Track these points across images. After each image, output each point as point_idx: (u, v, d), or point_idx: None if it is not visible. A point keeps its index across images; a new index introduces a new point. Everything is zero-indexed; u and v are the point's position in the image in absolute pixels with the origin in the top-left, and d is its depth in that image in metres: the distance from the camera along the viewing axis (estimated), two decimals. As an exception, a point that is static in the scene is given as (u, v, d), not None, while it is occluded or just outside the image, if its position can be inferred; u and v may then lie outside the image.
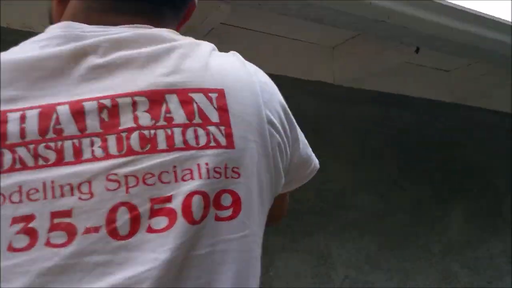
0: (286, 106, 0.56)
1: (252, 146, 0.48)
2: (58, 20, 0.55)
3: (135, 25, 0.52)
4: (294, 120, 0.57)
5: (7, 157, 0.42)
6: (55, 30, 0.50)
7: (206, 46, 0.54)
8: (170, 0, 0.59)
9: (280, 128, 0.52)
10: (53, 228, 0.41)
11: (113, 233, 0.42)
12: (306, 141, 0.61)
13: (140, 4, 0.55)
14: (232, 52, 0.58)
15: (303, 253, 1.56)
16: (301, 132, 0.59)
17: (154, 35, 0.51)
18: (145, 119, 0.45)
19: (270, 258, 1.46)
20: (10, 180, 0.42)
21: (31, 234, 0.41)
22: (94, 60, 0.47)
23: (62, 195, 0.42)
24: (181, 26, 0.64)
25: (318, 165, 0.65)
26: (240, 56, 0.57)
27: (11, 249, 0.40)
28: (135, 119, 0.45)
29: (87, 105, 0.45)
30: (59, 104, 0.45)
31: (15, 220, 0.41)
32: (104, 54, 0.48)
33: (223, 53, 0.56)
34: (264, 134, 0.50)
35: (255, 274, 0.49)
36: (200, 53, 0.51)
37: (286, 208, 0.72)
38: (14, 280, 0.39)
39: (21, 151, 0.43)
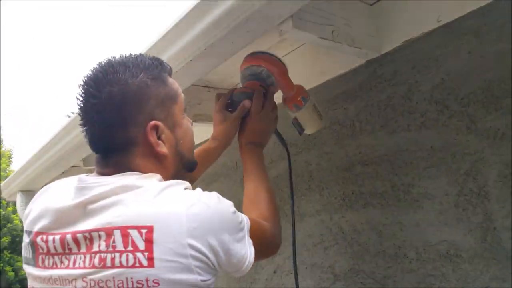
0: (222, 232, 0.76)
1: (171, 264, 0.69)
2: None
3: (114, 176, 0.79)
4: (228, 245, 0.76)
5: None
6: (76, 180, 0.81)
7: (154, 190, 0.75)
8: (105, 150, 0.84)
9: (204, 250, 0.72)
10: None
11: None
12: (242, 253, 0.80)
13: (102, 159, 0.84)
14: (183, 187, 0.78)
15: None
16: (239, 248, 0.79)
17: (121, 186, 0.76)
18: (103, 246, 0.71)
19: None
20: (45, 273, 0.77)
21: None
22: (88, 207, 0.76)
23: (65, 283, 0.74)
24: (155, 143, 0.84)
25: (251, 263, 0.82)
26: (187, 191, 0.77)
27: None
28: (99, 246, 0.71)
29: (79, 235, 0.74)
30: (67, 233, 0.75)
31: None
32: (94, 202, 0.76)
33: (172, 192, 0.76)
34: (185, 254, 0.70)
35: None
36: (145, 197, 0.74)
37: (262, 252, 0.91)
38: None
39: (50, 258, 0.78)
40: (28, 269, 0.82)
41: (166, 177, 0.82)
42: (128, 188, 0.75)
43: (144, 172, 0.80)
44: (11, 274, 14.24)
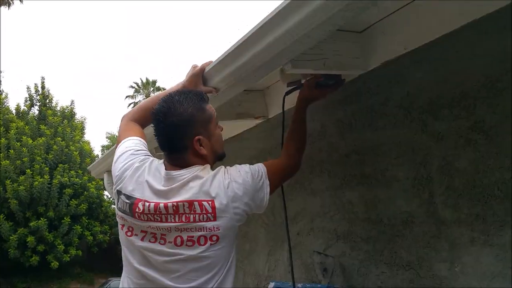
0: (247, 183, 1.40)
1: (224, 218, 1.31)
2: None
3: (184, 169, 1.38)
4: (254, 197, 1.41)
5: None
6: (164, 170, 1.40)
7: (210, 178, 1.36)
8: (170, 151, 1.43)
9: (242, 207, 1.37)
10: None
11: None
12: (261, 197, 1.43)
13: (169, 156, 1.44)
14: (222, 172, 1.40)
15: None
16: (261, 195, 1.44)
17: (193, 177, 1.37)
18: (187, 210, 1.30)
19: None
20: (144, 224, 1.35)
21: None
22: (175, 190, 1.35)
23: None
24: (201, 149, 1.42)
25: (268, 200, 1.46)
26: (225, 174, 1.40)
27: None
28: (184, 210, 1.31)
29: (169, 204, 1.31)
30: (160, 203, 1.33)
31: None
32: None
33: (218, 177, 1.37)
34: (231, 212, 1.33)
35: None
36: (206, 183, 1.34)
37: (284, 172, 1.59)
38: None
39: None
40: (124, 215, 1.37)
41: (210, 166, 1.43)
42: (197, 177, 1.36)
43: (195, 164, 1.39)
44: (90, 238, 15.66)
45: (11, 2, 20.83)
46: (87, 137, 19.35)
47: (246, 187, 1.38)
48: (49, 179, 14.54)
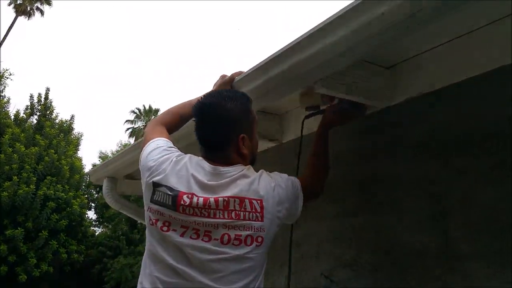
0: (287, 188, 1.43)
1: (270, 220, 1.31)
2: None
3: (230, 166, 1.38)
4: (292, 206, 1.44)
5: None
6: (208, 166, 1.39)
7: (256, 178, 1.37)
8: (215, 147, 1.42)
9: (283, 212, 1.39)
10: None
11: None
12: (297, 207, 1.48)
13: (210, 152, 1.43)
14: (266, 174, 1.41)
15: None
16: (298, 205, 1.48)
17: (240, 175, 1.36)
18: (237, 207, 1.28)
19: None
20: (188, 218, 1.29)
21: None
22: (224, 185, 1.34)
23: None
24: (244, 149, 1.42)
25: (300, 213, 1.51)
26: (266, 172, 1.43)
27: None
28: (234, 207, 1.28)
29: (220, 199, 1.29)
30: (210, 197, 1.30)
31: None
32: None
33: (262, 174, 1.40)
34: (275, 216, 1.34)
35: None
36: (255, 183, 1.35)
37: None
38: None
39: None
40: (162, 209, 1.31)
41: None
42: (244, 176, 1.36)
43: (237, 163, 1.39)
44: (64, 255, 15.23)
45: (31, 13, 21.32)
46: (80, 153, 19.21)
47: (288, 193, 1.40)
48: (35, 190, 14.30)
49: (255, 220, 1.28)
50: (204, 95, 1.49)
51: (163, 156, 1.42)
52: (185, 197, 1.29)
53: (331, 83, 1.54)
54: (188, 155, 1.43)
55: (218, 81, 1.76)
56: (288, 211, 1.41)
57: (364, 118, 1.86)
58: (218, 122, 1.40)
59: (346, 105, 1.74)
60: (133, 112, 33.79)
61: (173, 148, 1.48)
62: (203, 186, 1.32)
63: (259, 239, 1.28)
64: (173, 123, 1.67)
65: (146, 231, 1.38)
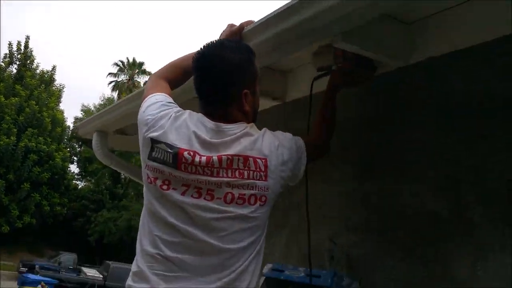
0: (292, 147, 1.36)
1: (274, 180, 1.26)
2: None
3: (233, 124, 1.29)
4: (296, 167, 1.38)
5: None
6: (209, 122, 1.29)
7: (260, 136, 1.29)
8: (216, 101, 1.32)
9: (288, 173, 1.33)
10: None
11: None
12: (300, 167, 1.40)
13: (210, 107, 1.33)
14: (269, 132, 1.34)
15: None
16: (301, 167, 1.40)
17: (243, 133, 1.28)
18: (241, 165, 1.22)
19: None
20: (190, 176, 1.22)
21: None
22: (228, 143, 1.26)
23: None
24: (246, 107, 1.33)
25: (302, 173, 1.42)
26: (269, 131, 1.34)
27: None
28: (237, 165, 1.22)
29: (224, 157, 1.21)
30: (213, 156, 1.22)
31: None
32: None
33: (266, 133, 1.32)
34: (279, 176, 1.28)
35: None
36: (258, 141, 1.27)
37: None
38: None
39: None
40: (162, 166, 1.24)
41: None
42: (248, 134, 1.28)
43: (239, 120, 1.30)
44: (47, 208, 15.26)
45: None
46: (61, 106, 18.75)
47: (291, 153, 1.34)
48: (16, 141, 14.04)
49: (259, 180, 1.23)
50: (205, 45, 1.37)
51: (161, 111, 1.33)
52: (186, 154, 1.23)
53: (351, 37, 1.43)
54: (188, 111, 1.34)
55: (225, 30, 1.63)
56: (292, 171, 1.36)
57: (378, 78, 1.77)
58: (220, 76, 1.30)
59: (355, 66, 1.65)
60: (116, 65, 32.96)
61: (172, 104, 1.38)
62: (205, 144, 1.25)
63: (263, 199, 1.24)
64: (175, 77, 1.56)
65: (144, 189, 1.31)
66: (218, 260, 1.21)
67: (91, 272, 14.38)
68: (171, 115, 1.31)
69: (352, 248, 1.70)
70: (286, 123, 2.17)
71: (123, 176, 21.73)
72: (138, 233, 1.32)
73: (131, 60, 32.48)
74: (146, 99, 1.42)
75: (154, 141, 1.28)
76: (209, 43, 1.37)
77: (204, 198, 1.21)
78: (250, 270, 1.24)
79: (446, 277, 1.38)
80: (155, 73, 1.60)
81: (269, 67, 2.12)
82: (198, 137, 1.26)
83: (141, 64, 32.55)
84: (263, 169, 1.24)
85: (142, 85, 30.13)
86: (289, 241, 2.05)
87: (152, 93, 1.43)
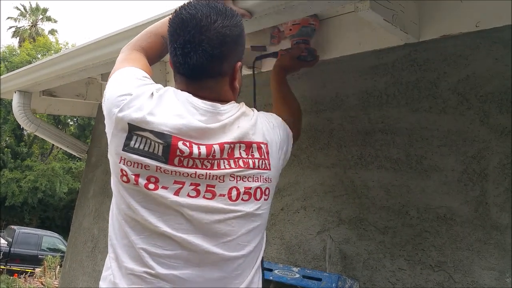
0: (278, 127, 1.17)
1: (275, 168, 1.08)
2: None
3: (227, 104, 1.06)
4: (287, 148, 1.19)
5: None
6: (203, 103, 1.03)
7: (254, 115, 1.10)
8: (202, 76, 1.04)
9: (284, 158, 1.18)
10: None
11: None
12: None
13: (196, 82, 1.05)
14: (254, 109, 1.13)
15: None
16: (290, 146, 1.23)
17: (241, 114, 1.06)
18: (243, 154, 1.02)
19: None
20: (186, 170, 0.97)
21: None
22: (227, 127, 1.03)
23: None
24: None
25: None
26: (262, 112, 1.17)
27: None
28: (240, 154, 1.02)
29: (226, 145, 1.00)
30: (214, 144, 0.99)
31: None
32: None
33: (259, 114, 1.12)
34: (279, 163, 1.12)
35: None
36: (258, 124, 1.09)
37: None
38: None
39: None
40: (147, 161, 0.96)
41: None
42: (244, 115, 1.07)
43: (230, 99, 1.09)
44: None
45: None
46: None
47: (283, 134, 1.18)
48: None
49: (263, 169, 1.05)
50: (186, 5, 1.05)
51: (138, 87, 1.03)
52: (181, 144, 0.97)
53: (378, 6, 1.21)
54: (171, 88, 1.06)
55: None
56: (285, 155, 1.19)
57: (375, 55, 1.58)
58: (213, 42, 1.00)
59: (296, 50, 1.63)
60: (17, 8, 29.49)
61: (147, 79, 1.09)
62: (201, 131, 1.00)
63: (267, 192, 1.06)
64: (153, 47, 1.22)
65: (115, 188, 1.02)
66: (221, 273, 1.00)
67: (-8, 238, 13.21)
68: (152, 93, 1.02)
69: (345, 246, 1.53)
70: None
71: (26, 133, 19.89)
72: (109, 239, 1.04)
73: (34, 5, 29.21)
74: (116, 72, 1.10)
75: (133, 127, 0.98)
76: (197, 2, 1.04)
77: (204, 197, 0.98)
78: (255, 281, 1.06)
79: (465, 283, 1.27)
80: (127, 44, 1.24)
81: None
82: (191, 122, 0.99)
83: (46, 9, 29.40)
84: (266, 157, 1.06)
85: (46, 33, 27.52)
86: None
87: (123, 66, 1.12)
